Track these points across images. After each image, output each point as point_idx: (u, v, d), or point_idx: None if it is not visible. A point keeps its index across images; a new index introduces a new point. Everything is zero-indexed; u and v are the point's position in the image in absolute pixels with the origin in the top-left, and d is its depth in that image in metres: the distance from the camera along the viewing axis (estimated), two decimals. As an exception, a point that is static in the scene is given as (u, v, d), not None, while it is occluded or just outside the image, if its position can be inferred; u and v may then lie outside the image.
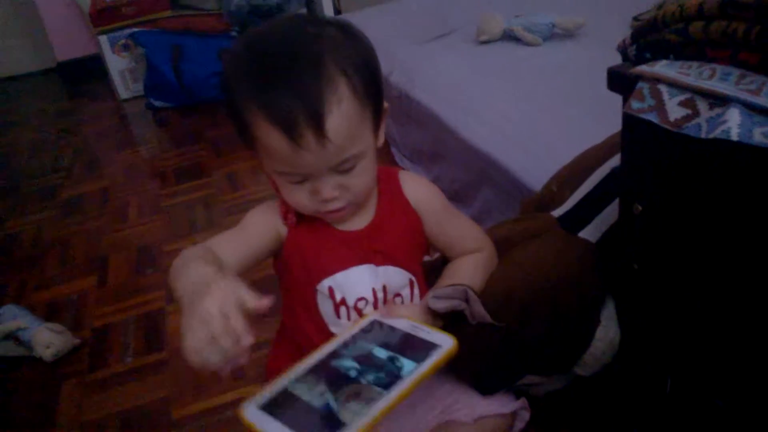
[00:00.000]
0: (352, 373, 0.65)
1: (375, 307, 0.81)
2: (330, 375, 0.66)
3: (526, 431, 0.90)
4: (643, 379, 0.84)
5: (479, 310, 0.77)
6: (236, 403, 1.18)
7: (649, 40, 0.67)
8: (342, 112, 0.68)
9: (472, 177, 1.46)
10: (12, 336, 1.39)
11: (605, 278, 0.86)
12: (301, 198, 0.75)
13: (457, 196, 1.54)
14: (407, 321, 0.74)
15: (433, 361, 0.66)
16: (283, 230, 0.81)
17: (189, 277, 0.64)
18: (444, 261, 0.89)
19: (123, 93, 3.00)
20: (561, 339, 0.86)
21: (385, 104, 0.77)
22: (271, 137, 0.68)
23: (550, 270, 0.85)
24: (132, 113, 2.90)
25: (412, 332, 0.72)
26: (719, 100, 0.58)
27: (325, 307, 0.81)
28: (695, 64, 0.62)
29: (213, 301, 0.57)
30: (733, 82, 0.58)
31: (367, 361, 0.67)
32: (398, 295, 0.83)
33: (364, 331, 0.74)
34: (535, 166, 1.20)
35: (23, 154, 2.65)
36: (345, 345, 0.72)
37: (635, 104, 0.65)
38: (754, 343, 0.67)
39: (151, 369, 1.32)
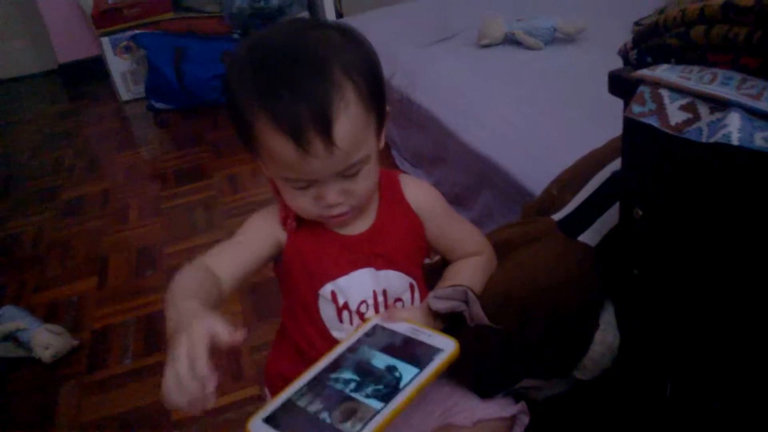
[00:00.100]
0: (352, 386, 0.65)
1: (376, 310, 0.81)
2: (327, 392, 0.66)
3: (525, 435, 0.90)
4: (643, 384, 0.84)
5: (478, 312, 0.77)
6: (235, 405, 1.19)
7: (650, 44, 0.68)
8: (349, 117, 0.68)
9: (472, 180, 1.46)
10: (11, 337, 1.39)
11: (605, 282, 0.86)
12: (304, 203, 0.74)
13: (457, 200, 1.54)
14: (408, 325, 0.74)
15: (435, 366, 0.66)
16: (283, 236, 0.80)
17: (172, 315, 0.65)
18: (444, 263, 0.89)
19: (124, 95, 3.00)
20: (560, 342, 0.86)
21: (387, 107, 0.77)
22: (278, 143, 0.68)
23: (550, 273, 0.85)
24: (133, 115, 2.90)
25: (414, 336, 0.72)
26: (720, 105, 0.58)
27: (327, 312, 0.80)
28: (696, 68, 0.63)
29: (182, 347, 0.57)
30: (734, 86, 0.58)
31: (366, 373, 0.67)
32: (399, 299, 0.83)
33: (366, 335, 0.74)
34: (535, 169, 1.20)
35: (24, 155, 2.65)
36: (347, 352, 0.72)
37: (636, 108, 0.65)
38: (754, 348, 0.67)
39: (151, 370, 1.32)
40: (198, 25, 2.84)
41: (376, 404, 0.61)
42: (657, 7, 1.45)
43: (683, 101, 0.62)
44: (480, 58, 1.77)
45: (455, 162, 1.54)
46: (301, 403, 0.65)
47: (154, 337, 1.41)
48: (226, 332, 0.58)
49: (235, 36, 2.91)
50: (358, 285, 0.80)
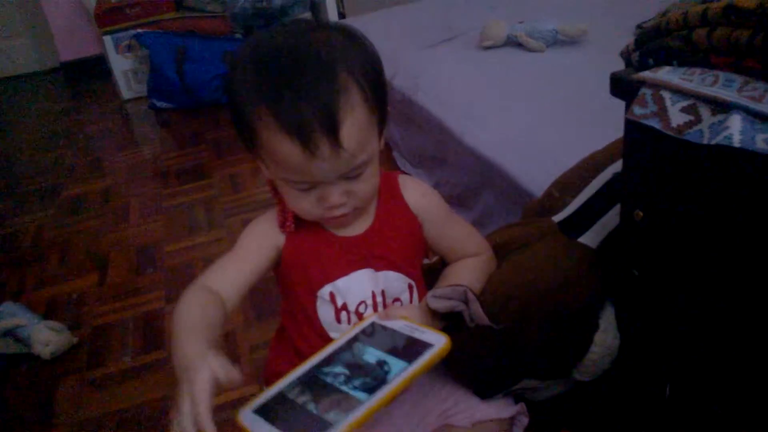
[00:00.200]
0: (341, 379, 0.66)
1: (375, 311, 0.81)
2: (317, 385, 0.67)
3: (525, 436, 0.90)
4: (642, 385, 0.84)
5: (478, 311, 0.77)
6: (234, 403, 1.19)
7: (652, 46, 0.68)
8: (355, 119, 0.68)
9: (474, 181, 1.46)
10: (11, 333, 1.39)
11: (605, 284, 0.86)
12: (306, 204, 0.74)
13: (458, 201, 1.54)
14: (405, 322, 0.75)
15: (424, 360, 0.67)
16: (281, 240, 0.80)
17: (177, 350, 0.66)
18: (443, 264, 0.90)
19: (126, 93, 3.00)
20: (559, 343, 0.86)
21: (388, 108, 0.77)
22: (283, 145, 0.67)
23: (549, 274, 0.85)
24: (134, 113, 2.91)
25: (408, 333, 0.72)
26: (721, 107, 0.59)
27: (325, 313, 0.81)
28: (698, 70, 0.63)
29: (185, 403, 0.59)
30: (736, 88, 0.58)
31: (356, 367, 0.68)
32: (397, 299, 0.83)
33: (362, 333, 0.75)
34: (536, 171, 1.20)
35: (26, 152, 2.65)
36: (341, 348, 0.73)
37: (637, 110, 0.65)
38: (753, 350, 0.67)
39: (150, 368, 1.32)
40: (200, 25, 2.85)
41: (361, 396, 0.63)
42: (659, 9, 1.45)
43: (685, 103, 0.62)
44: (482, 60, 1.77)
45: (456, 163, 1.54)
46: (291, 395, 0.66)
47: (154, 335, 1.42)
48: (225, 377, 0.60)
49: (238, 36, 2.91)
50: (357, 286, 0.80)
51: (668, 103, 0.63)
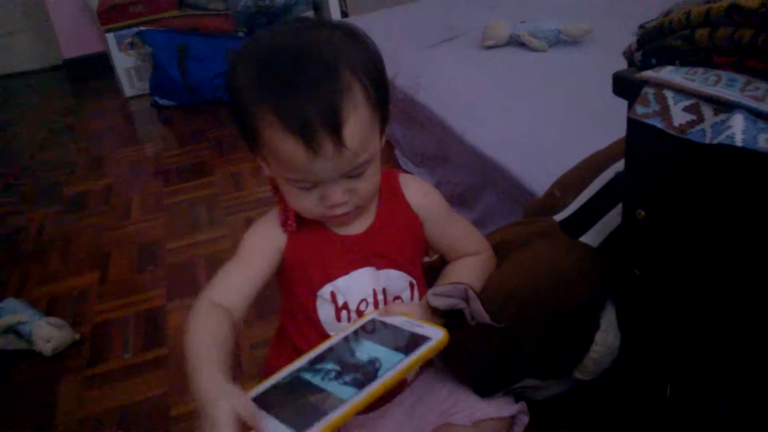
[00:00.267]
0: (332, 375, 0.67)
1: (376, 308, 0.81)
2: (308, 380, 0.68)
3: (525, 435, 0.90)
4: (643, 385, 0.84)
5: (478, 309, 0.77)
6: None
7: (655, 46, 0.68)
8: (357, 118, 0.68)
9: (475, 181, 1.46)
10: (12, 329, 1.39)
11: (606, 283, 0.86)
12: (308, 203, 0.74)
13: (460, 200, 1.54)
14: (404, 318, 0.75)
15: (419, 354, 0.67)
16: (282, 242, 0.80)
17: (193, 385, 0.64)
18: (444, 262, 0.90)
19: (128, 91, 3.01)
20: (560, 342, 0.86)
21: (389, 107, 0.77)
22: (286, 144, 0.67)
23: (550, 273, 0.85)
24: (137, 111, 2.91)
25: (406, 328, 0.73)
26: (724, 106, 0.59)
27: (325, 312, 0.81)
28: (701, 70, 0.63)
29: None
30: (739, 88, 0.58)
31: (349, 362, 0.69)
32: (398, 297, 0.83)
33: (361, 329, 0.75)
34: (538, 170, 1.20)
35: (28, 150, 2.65)
36: (337, 343, 0.73)
37: (640, 109, 0.65)
38: (755, 350, 0.67)
39: (151, 365, 1.32)
40: (202, 23, 2.85)
41: (350, 390, 0.63)
42: (661, 9, 1.45)
43: (687, 102, 0.62)
44: (484, 60, 1.77)
45: (458, 162, 1.54)
46: (283, 389, 0.67)
47: (155, 332, 1.42)
48: (245, 413, 0.59)
49: (240, 34, 2.92)
50: (358, 284, 0.80)
51: (671, 102, 0.63)
